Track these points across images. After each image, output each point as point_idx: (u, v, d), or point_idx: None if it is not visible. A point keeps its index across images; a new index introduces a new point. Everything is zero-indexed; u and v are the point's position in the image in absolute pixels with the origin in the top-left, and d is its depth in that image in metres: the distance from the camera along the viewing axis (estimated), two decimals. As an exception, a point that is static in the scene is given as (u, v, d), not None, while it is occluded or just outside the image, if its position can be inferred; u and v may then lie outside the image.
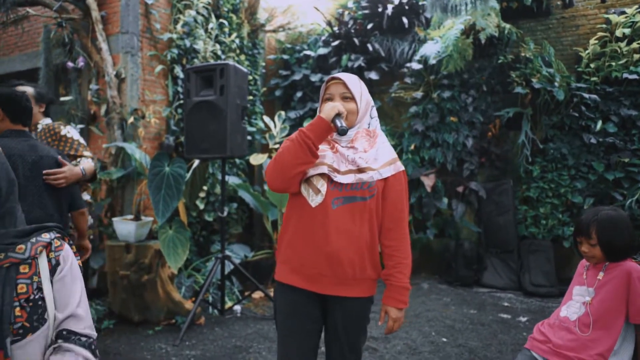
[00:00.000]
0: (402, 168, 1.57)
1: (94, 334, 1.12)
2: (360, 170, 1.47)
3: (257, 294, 4.09)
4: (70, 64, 3.86)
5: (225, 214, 3.47)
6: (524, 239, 4.61)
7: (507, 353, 2.93)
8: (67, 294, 1.08)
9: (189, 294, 3.75)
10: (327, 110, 1.43)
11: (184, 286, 3.77)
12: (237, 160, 4.91)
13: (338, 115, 1.43)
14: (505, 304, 4.01)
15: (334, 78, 1.54)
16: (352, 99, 1.52)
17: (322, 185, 1.45)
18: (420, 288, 4.48)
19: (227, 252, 4.12)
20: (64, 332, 1.07)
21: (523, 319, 3.59)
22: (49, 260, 1.08)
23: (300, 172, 1.44)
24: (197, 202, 4.21)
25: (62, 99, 4.03)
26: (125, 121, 3.77)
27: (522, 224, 4.63)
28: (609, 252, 1.72)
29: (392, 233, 1.53)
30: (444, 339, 3.17)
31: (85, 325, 1.11)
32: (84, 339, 1.09)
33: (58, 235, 1.13)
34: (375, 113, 1.61)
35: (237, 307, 3.69)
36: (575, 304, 1.81)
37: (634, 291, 1.66)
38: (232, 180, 4.57)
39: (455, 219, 4.72)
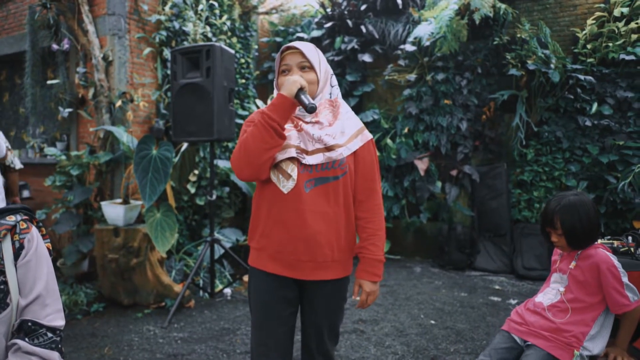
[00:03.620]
0: (370, 137, 1.51)
1: (61, 323, 1.09)
2: (329, 149, 1.40)
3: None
4: (55, 46, 3.81)
5: (214, 197, 3.45)
6: (517, 222, 4.59)
7: (494, 335, 2.93)
8: (32, 278, 1.06)
9: (179, 278, 3.77)
10: (288, 85, 1.33)
11: (174, 270, 3.78)
12: (230, 144, 4.88)
13: (301, 90, 1.33)
14: (497, 287, 4.02)
15: (289, 47, 1.44)
16: (311, 68, 1.43)
17: (293, 170, 1.37)
18: (412, 272, 4.48)
19: (219, 236, 4.12)
20: (29, 324, 1.04)
21: (513, 302, 3.59)
22: (13, 243, 1.05)
23: (270, 158, 1.34)
24: (189, 186, 4.20)
25: (49, 82, 3.98)
26: (114, 105, 3.73)
27: (515, 208, 4.61)
28: (570, 238, 1.70)
29: (364, 205, 1.48)
30: (432, 322, 3.18)
31: (51, 310, 1.08)
32: (49, 334, 1.06)
33: (25, 217, 1.10)
34: (335, 82, 1.52)
35: (227, 290, 3.70)
36: (551, 290, 1.81)
37: (607, 284, 1.64)
38: (224, 164, 4.54)
39: (448, 203, 4.70)
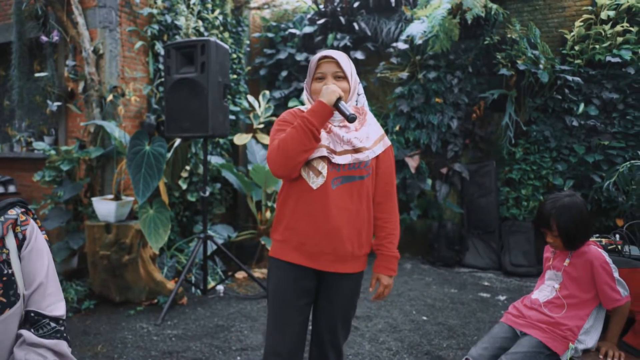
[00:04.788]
0: (390, 143, 1.63)
1: (62, 312, 1.10)
2: (356, 150, 1.50)
3: (240, 274, 4.09)
4: (44, 38, 3.71)
5: (207, 194, 3.44)
6: (505, 220, 4.68)
7: (485, 330, 3.00)
8: (33, 268, 1.07)
9: (171, 274, 3.74)
10: (328, 94, 1.42)
11: (166, 266, 3.75)
12: (221, 140, 4.84)
13: (339, 99, 1.43)
14: (486, 283, 4.10)
15: (326, 56, 1.53)
16: (345, 77, 1.53)
17: (323, 168, 1.47)
18: (403, 268, 4.54)
19: (210, 233, 4.10)
20: (32, 314, 1.04)
21: (502, 298, 3.67)
22: (16, 236, 1.06)
23: (305, 159, 1.45)
24: (180, 183, 4.16)
25: (37, 75, 3.89)
26: (104, 99, 3.67)
27: (503, 206, 4.69)
28: (566, 239, 1.76)
29: (382, 206, 1.60)
30: (424, 317, 3.23)
31: (53, 299, 1.09)
32: (52, 324, 1.06)
33: (23, 209, 1.11)
34: (361, 90, 1.63)
35: (220, 287, 3.69)
36: (547, 287, 1.87)
37: (599, 280, 1.71)
38: (215, 160, 4.51)
39: (438, 200, 4.76)
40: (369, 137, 1.55)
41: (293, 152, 1.41)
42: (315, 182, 1.47)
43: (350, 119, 1.40)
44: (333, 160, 1.47)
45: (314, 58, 1.56)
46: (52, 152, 3.47)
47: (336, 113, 1.51)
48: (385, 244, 1.60)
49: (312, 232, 1.48)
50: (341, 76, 1.52)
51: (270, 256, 1.61)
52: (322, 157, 1.47)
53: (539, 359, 1.68)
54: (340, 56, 1.53)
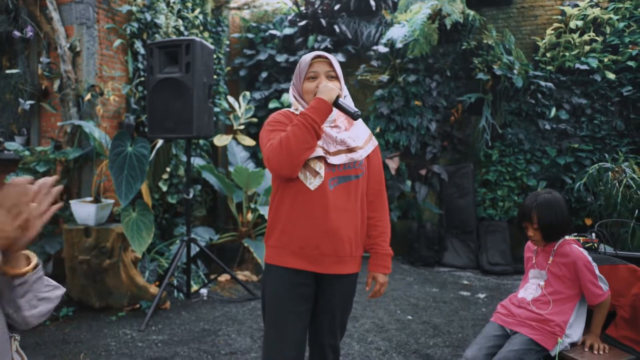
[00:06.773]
0: (377, 143, 1.66)
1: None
2: (350, 150, 1.50)
3: (223, 277, 4.04)
4: (16, 33, 3.55)
5: (190, 195, 3.38)
6: (482, 220, 4.82)
7: (468, 327, 3.09)
8: None
9: (152, 278, 3.65)
10: (327, 92, 1.42)
11: (147, 270, 3.65)
12: (201, 141, 4.77)
13: (338, 97, 1.43)
14: (465, 282, 4.21)
15: (319, 56, 1.54)
16: (336, 77, 1.55)
17: (320, 168, 1.45)
18: (384, 268, 4.60)
19: (192, 235, 4.02)
20: None
21: (481, 296, 3.79)
22: None
23: (307, 156, 1.42)
24: (160, 184, 4.06)
25: (7, 71, 3.71)
26: (82, 98, 3.54)
27: (480, 206, 4.84)
28: (546, 232, 1.85)
29: (374, 205, 1.62)
30: (409, 317, 3.29)
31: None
32: None
33: None
34: (347, 91, 1.64)
35: (203, 291, 3.63)
36: (532, 285, 1.95)
37: (583, 278, 1.81)
38: (196, 161, 4.44)
39: (418, 201, 4.86)
40: (359, 137, 1.55)
41: (296, 149, 1.37)
42: (312, 183, 1.44)
43: (355, 115, 1.41)
44: (328, 161, 1.46)
45: (306, 58, 1.54)
46: (27, 152, 3.32)
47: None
48: (379, 242, 1.61)
49: (311, 235, 1.45)
50: (334, 76, 1.53)
51: (266, 263, 1.57)
52: (319, 158, 1.45)
53: (530, 356, 1.75)
54: (332, 57, 1.55)
